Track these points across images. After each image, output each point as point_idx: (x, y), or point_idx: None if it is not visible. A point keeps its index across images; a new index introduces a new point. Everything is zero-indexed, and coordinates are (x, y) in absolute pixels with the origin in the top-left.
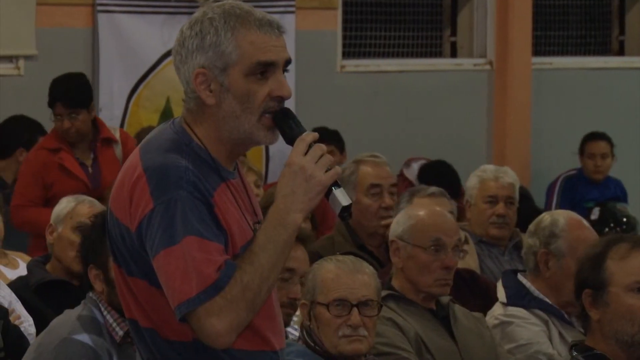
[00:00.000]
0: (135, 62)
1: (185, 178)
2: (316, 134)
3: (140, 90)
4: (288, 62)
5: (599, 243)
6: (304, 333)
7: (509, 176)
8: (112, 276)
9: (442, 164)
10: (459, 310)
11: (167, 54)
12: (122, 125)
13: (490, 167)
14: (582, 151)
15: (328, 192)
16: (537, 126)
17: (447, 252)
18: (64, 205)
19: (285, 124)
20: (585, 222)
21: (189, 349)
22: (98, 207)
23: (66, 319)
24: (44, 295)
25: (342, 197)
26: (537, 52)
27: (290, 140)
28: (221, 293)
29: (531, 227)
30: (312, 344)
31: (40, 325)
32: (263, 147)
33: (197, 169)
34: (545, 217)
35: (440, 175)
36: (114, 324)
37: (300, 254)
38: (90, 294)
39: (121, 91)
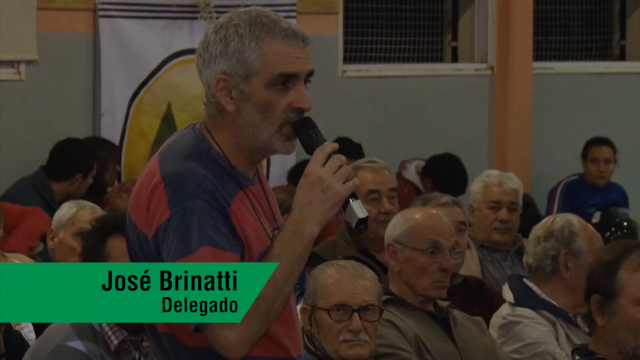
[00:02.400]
0: (137, 67)
1: (202, 187)
2: (336, 145)
3: (141, 95)
4: (311, 73)
5: (613, 250)
6: (305, 338)
7: (513, 182)
8: None
9: (450, 157)
10: (458, 314)
11: (169, 58)
12: (123, 130)
13: (494, 173)
14: (584, 156)
15: (345, 204)
16: (538, 131)
17: (445, 254)
18: (65, 210)
19: (305, 133)
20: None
21: (206, 355)
22: (99, 212)
23: (61, 325)
24: None
25: (359, 209)
26: (538, 57)
27: (310, 150)
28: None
29: (540, 232)
30: (313, 349)
31: (42, 329)
32: None
33: (216, 177)
34: (556, 220)
35: (448, 169)
36: (110, 332)
37: None
38: None
39: (122, 96)
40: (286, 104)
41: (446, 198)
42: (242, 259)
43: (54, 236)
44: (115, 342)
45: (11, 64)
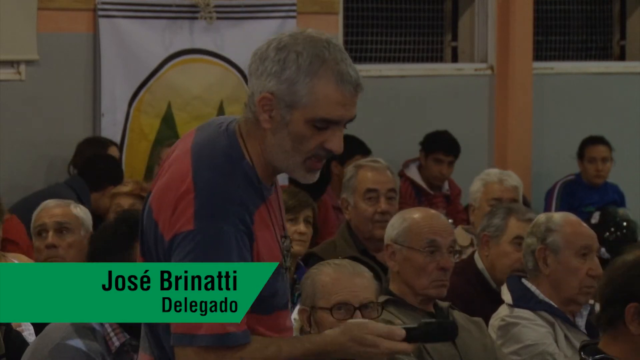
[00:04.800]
0: (137, 67)
1: (232, 210)
2: (408, 349)
3: (141, 95)
4: (353, 119)
5: (634, 254)
6: None
7: (513, 179)
8: None
9: (444, 132)
10: (458, 315)
11: (169, 58)
12: (124, 130)
13: (494, 171)
14: (581, 155)
15: None
16: (538, 131)
17: (443, 253)
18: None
19: (435, 337)
20: (582, 222)
21: None
22: (51, 204)
23: (60, 324)
24: None
25: None
26: (538, 57)
27: (413, 338)
28: (219, 350)
29: (528, 228)
30: None
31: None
32: None
33: (245, 191)
34: (541, 217)
35: (446, 142)
36: (112, 334)
37: None
38: None
39: (123, 96)
40: (319, 142)
41: (531, 214)
42: None
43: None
44: (117, 343)
45: (11, 64)
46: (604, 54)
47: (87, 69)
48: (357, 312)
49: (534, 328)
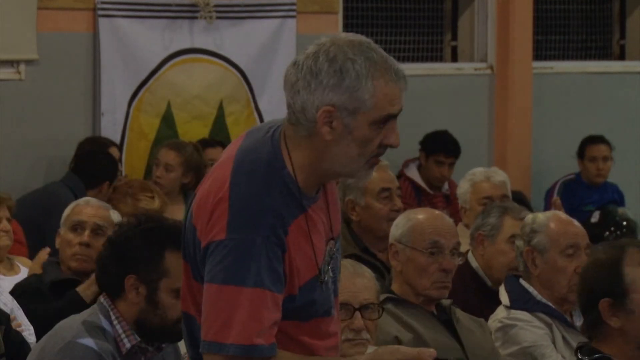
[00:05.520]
0: (137, 66)
1: (264, 220)
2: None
3: (141, 94)
4: (400, 112)
5: (607, 251)
6: None
7: (500, 175)
8: (159, 298)
9: (445, 133)
10: (460, 313)
11: (168, 58)
12: (123, 130)
13: (479, 170)
14: (581, 154)
15: None
16: (538, 130)
17: (445, 255)
18: (65, 211)
19: None
20: (570, 219)
21: None
22: (94, 204)
23: (71, 323)
24: (58, 293)
25: None
26: (538, 57)
27: None
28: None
29: (518, 230)
30: None
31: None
32: None
33: (282, 202)
34: (528, 217)
35: (446, 143)
36: (123, 335)
37: None
38: (102, 300)
39: (122, 96)
40: (379, 140)
41: (526, 213)
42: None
43: (59, 236)
44: (128, 345)
45: (11, 63)
46: (604, 54)
47: (87, 69)
48: (357, 313)
49: (531, 330)
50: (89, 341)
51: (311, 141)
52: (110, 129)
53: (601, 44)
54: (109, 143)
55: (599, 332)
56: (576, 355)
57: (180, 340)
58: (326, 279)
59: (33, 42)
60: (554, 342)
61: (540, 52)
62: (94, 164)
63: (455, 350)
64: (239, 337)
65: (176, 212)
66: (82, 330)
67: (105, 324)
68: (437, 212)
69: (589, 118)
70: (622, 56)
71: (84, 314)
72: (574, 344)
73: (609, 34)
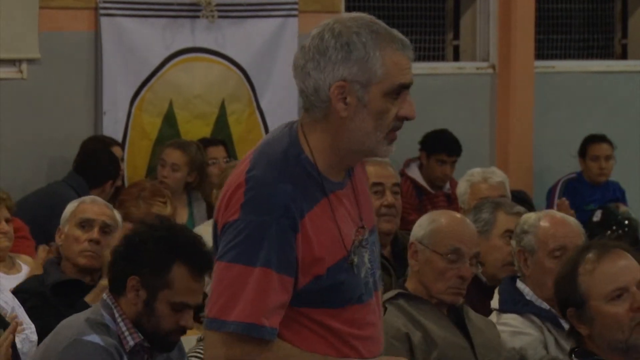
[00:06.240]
0: (138, 65)
1: (278, 205)
2: None
3: (143, 93)
4: (412, 83)
5: (569, 259)
6: None
7: (498, 175)
8: (156, 306)
9: (445, 132)
10: (472, 312)
11: (170, 57)
12: (125, 129)
13: (477, 170)
14: (583, 153)
15: None
16: (540, 129)
17: (465, 262)
18: (68, 208)
19: None
20: (565, 220)
21: None
22: (100, 202)
23: (74, 321)
24: (60, 294)
25: None
26: (539, 56)
27: None
28: (245, 344)
29: (512, 225)
30: None
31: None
32: (263, 133)
33: (299, 187)
34: (523, 217)
35: (448, 142)
36: (127, 333)
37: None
38: (106, 297)
39: (124, 95)
40: (395, 113)
41: (519, 208)
42: (295, 279)
43: (61, 234)
44: (131, 343)
45: (13, 62)
46: (606, 53)
47: (89, 68)
48: None
49: (519, 337)
50: (94, 337)
51: (327, 122)
52: (112, 128)
53: (603, 43)
54: (112, 142)
55: (580, 341)
56: (570, 357)
57: (170, 351)
58: (357, 262)
59: (35, 41)
60: (545, 346)
61: (542, 52)
62: (96, 163)
63: (464, 349)
64: (242, 315)
65: (180, 213)
66: (87, 327)
67: (108, 321)
68: (461, 217)
69: (591, 117)
70: (624, 55)
71: (87, 312)
72: (567, 346)
73: (610, 33)
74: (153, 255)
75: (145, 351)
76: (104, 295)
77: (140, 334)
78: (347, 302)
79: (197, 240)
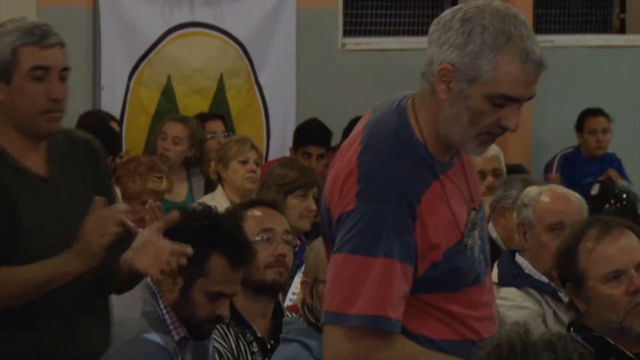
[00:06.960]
0: (137, 40)
1: (394, 191)
2: None
3: (141, 68)
4: (532, 97)
5: (571, 233)
6: (306, 310)
7: (492, 148)
8: (192, 294)
9: None
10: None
11: (169, 32)
12: (124, 104)
13: None
14: (580, 127)
15: None
16: (539, 104)
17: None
18: None
19: None
20: (566, 194)
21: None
22: None
23: (130, 316)
24: None
25: None
26: (538, 30)
27: None
28: (369, 340)
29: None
30: (314, 321)
31: None
32: (264, 124)
33: (413, 171)
34: (525, 190)
35: None
36: (172, 327)
37: (276, 216)
38: (149, 282)
39: (123, 70)
40: (495, 119)
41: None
42: (415, 263)
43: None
44: (177, 337)
45: None
46: (604, 27)
47: (87, 43)
48: None
49: (516, 311)
50: (154, 336)
51: (432, 99)
52: (110, 103)
53: (601, 17)
54: (109, 117)
55: (577, 312)
56: (568, 331)
57: (204, 339)
58: (471, 244)
59: (33, 15)
60: (544, 319)
61: (541, 26)
62: (96, 138)
63: None
64: (366, 308)
65: (179, 188)
66: (145, 324)
67: (161, 314)
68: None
69: (589, 91)
70: (622, 30)
71: (139, 303)
72: (566, 319)
73: (609, 7)
74: (192, 244)
75: (189, 347)
76: (150, 282)
77: (184, 328)
78: (465, 285)
79: (238, 230)
